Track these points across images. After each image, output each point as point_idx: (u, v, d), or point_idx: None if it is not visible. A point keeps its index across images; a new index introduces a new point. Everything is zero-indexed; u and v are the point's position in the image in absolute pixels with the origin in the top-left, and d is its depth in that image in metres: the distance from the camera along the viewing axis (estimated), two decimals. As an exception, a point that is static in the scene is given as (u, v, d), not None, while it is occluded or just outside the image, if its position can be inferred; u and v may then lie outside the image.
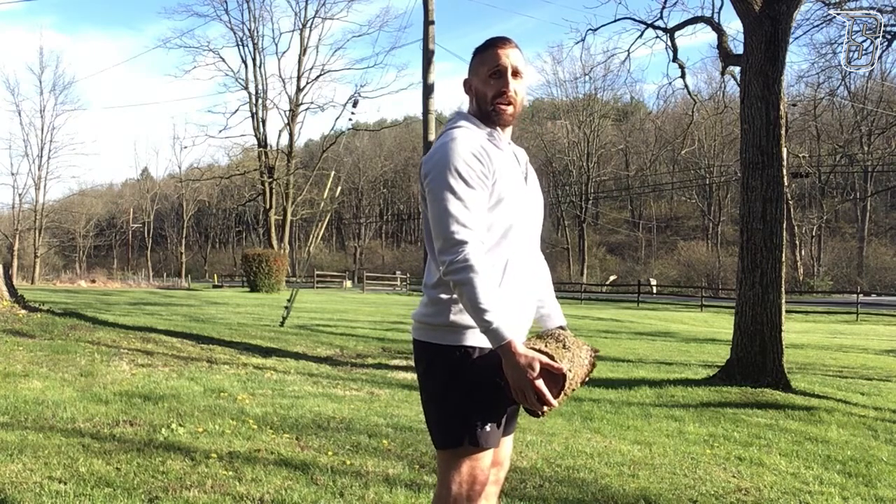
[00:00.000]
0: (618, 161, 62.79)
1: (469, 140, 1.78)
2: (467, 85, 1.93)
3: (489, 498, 1.94)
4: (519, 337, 1.69)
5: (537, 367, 1.65)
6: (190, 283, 45.74)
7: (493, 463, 1.89)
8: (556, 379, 1.69)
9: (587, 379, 1.85)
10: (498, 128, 1.88)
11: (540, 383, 1.65)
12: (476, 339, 1.76)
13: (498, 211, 1.79)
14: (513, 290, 1.82)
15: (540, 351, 1.70)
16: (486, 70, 1.86)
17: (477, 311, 1.65)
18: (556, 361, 1.69)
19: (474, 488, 1.80)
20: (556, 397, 1.68)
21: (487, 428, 1.77)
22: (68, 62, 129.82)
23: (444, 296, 1.80)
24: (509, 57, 1.86)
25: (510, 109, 1.87)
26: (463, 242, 1.68)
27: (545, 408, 1.67)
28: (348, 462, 3.68)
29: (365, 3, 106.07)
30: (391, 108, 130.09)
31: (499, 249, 1.80)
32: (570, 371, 1.72)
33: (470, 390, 1.77)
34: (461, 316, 1.77)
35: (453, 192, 1.72)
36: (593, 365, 1.86)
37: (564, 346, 1.79)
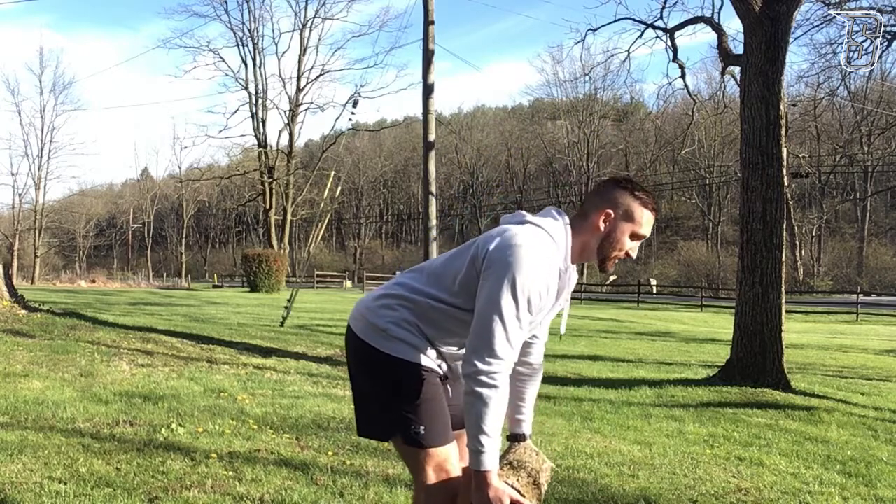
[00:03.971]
0: (618, 161, 62.70)
1: (545, 264, 1.75)
2: (607, 217, 1.85)
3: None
4: (496, 466, 1.71)
5: (506, 501, 1.70)
6: (190, 283, 45.75)
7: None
8: None
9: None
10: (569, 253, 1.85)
11: None
12: (429, 362, 1.85)
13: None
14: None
15: (512, 486, 1.78)
16: (632, 227, 1.85)
17: (477, 430, 1.69)
18: (525, 499, 1.77)
19: (448, 485, 1.84)
20: None
21: (426, 429, 1.82)
22: (68, 62, 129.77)
23: (418, 322, 1.86)
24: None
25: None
26: (502, 360, 1.71)
27: None
28: (348, 462, 3.68)
29: (365, 3, 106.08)
30: (391, 108, 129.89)
31: None
32: None
33: (415, 398, 1.83)
34: (421, 341, 1.84)
35: (514, 308, 1.71)
36: (548, 482, 1.97)
37: (535, 484, 1.88)
